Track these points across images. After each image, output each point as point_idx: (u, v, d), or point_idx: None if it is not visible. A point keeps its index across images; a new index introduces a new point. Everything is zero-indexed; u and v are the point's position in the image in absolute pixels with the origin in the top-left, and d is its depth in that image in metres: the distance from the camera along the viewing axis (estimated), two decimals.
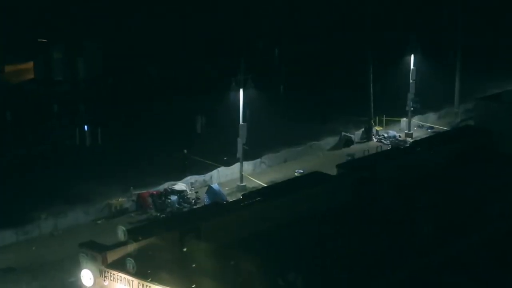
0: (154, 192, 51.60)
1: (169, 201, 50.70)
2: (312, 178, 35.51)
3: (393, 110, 70.56)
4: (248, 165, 57.42)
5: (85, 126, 64.03)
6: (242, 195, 36.21)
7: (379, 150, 59.23)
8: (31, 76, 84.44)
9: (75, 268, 27.03)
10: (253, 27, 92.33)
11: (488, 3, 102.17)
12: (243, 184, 54.93)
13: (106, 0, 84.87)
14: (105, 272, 25.99)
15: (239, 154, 55.32)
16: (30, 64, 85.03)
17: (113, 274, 25.85)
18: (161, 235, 27.45)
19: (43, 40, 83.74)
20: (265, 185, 50.79)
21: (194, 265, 25.66)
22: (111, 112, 71.54)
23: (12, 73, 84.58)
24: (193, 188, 53.57)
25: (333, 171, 35.53)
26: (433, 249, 28.87)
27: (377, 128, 69.00)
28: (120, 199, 51.15)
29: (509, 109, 42.81)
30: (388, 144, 64.72)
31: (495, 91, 57.21)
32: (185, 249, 26.80)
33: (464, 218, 31.48)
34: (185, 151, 58.49)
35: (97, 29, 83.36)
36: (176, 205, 50.51)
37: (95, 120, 65.90)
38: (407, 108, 68.63)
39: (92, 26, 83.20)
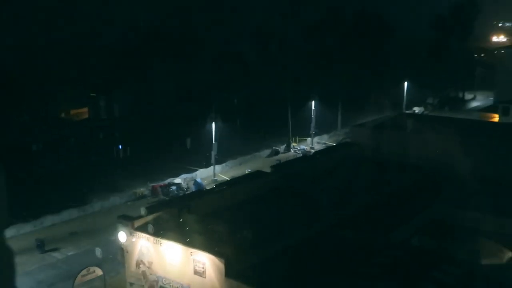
0: (162, 184, 50.98)
1: (171, 189, 50.15)
2: (256, 174, 35.60)
3: (303, 133, 71.03)
4: (218, 167, 57.18)
5: (119, 146, 63.53)
6: (215, 185, 36.10)
7: (295, 157, 59.53)
8: (86, 116, 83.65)
9: (115, 231, 26.58)
10: (221, 85, 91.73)
11: (370, 63, 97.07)
12: (216, 178, 54.66)
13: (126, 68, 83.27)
14: (133, 233, 25.66)
15: (213, 161, 55.23)
16: (85, 109, 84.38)
17: (138, 234, 25.54)
18: (167, 210, 27.26)
19: (93, 94, 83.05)
20: (229, 179, 50.61)
21: (187, 228, 25.48)
22: (135, 137, 71.04)
23: (75, 115, 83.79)
24: (185, 181, 53.12)
25: (268, 170, 35.66)
26: (329, 214, 29.09)
27: (294, 143, 69.29)
28: (141, 189, 50.54)
29: (370, 132, 43.36)
30: (300, 154, 64.98)
31: (362, 121, 57.80)
32: (181, 220, 26.62)
33: (345, 195, 31.82)
34: (208, 154, 57.71)
35: (124, 86, 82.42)
36: (175, 192, 49.99)
37: (125, 142, 65.30)
38: (310, 132, 69.14)
39: (121, 84, 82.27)
